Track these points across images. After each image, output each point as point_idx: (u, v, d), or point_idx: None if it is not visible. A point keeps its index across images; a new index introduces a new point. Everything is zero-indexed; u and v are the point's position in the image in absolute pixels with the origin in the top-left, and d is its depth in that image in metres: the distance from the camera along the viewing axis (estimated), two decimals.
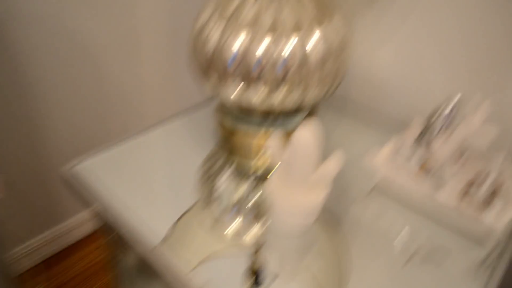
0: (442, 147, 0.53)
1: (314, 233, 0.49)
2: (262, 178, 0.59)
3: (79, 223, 1.50)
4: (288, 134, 0.56)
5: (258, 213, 0.56)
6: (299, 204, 0.42)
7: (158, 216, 0.55)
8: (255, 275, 0.59)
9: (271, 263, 0.50)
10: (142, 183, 0.61)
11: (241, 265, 0.52)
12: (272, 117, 0.55)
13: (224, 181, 0.56)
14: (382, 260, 0.52)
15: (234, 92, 0.51)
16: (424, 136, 0.55)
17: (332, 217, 0.57)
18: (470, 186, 0.52)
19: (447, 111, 0.52)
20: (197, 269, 0.50)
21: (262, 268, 0.59)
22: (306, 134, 0.40)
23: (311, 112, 0.60)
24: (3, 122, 1.15)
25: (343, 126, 0.75)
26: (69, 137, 1.32)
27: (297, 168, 0.41)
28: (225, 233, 0.55)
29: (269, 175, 0.53)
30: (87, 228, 1.53)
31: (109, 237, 0.69)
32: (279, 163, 0.43)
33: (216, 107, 0.61)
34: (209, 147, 0.67)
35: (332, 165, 0.41)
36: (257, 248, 0.58)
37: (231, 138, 0.58)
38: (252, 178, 0.58)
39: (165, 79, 1.45)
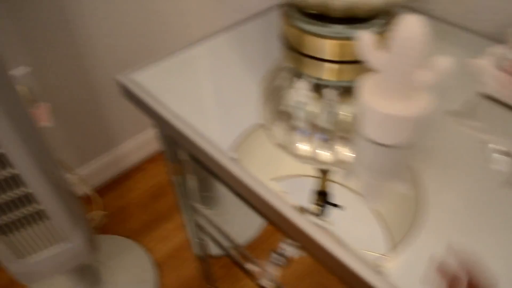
0: None
1: (406, 155, 0.42)
2: (344, 90, 0.52)
3: (132, 148, 1.51)
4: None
5: (335, 130, 0.50)
6: (400, 112, 0.35)
7: (221, 132, 0.50)
8: (322, 197, 0.54)
9: (355, 179, 0.44)
10: (201, 97, 0.55)
11: (309, 185, 0.47)
12: (350, 22, 0.47)
13: (301, 88, 0.49)
14: (470, 183, 0.45)
15: None
16: None
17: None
18: None
19: None
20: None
21: (328, 191, 0.54)
22: (415, 23, 0.32)
23: (390, 21, 0.51)
24: (50, 52, 1.12)
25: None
26: (114, 63, 1.28)
27: (400, 67, 0.34)
28: (296, 151, 0.49)
29: (359, 82, 0.46)
30: (141, 152, 1.54)
31: (171, 158, 0.65)
32: (374, 64, 0.36)
33: (283, 11, 0.53)
34: (272, 58, 0.60)
35: (443, 64, 0.33)
36: (327, 170, 0.53)
37: (303, 45, 0.50)
38: (329, 91, 0.51)
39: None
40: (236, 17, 0.72)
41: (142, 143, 1.53)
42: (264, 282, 0.45)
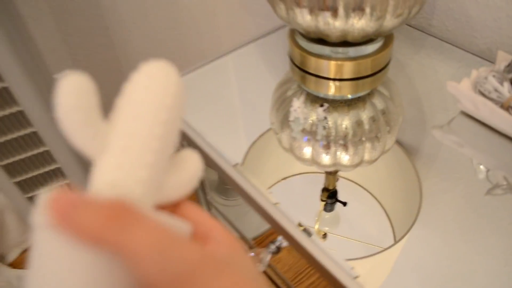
0: None
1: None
2: (334, 103, 0.60)
3: None
4: (360, 64, 0.55)
5: (332, 138, 0.57)
6: None
7: (233, 140, 0.58)
8: (329, 197, 0.62)
9: None
10: (217, 108, 0.64)
11: (316, 186, 0.55)
12: (346, 44, 0.54)
13: (298, 105, 0.57)
14: (459, 190, 0.51)
15: (307, 17, 0.50)
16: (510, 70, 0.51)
17: (404, 149, 0.57)
18: None
19: None
20: (273, 188, 0.53)
21: (335, 189, 0.62)
22: (163, 68, 0.23)
23: (387, 41, 0.58)
24: (90, 56, 1.23)
25: (420, 59, 0.72)
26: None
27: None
28: (299, 156, 0.57)
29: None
30: None
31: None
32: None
33: (289, 33, 0.61)
34: (282, 73, 0.67)
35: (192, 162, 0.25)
36: (334, 172, 0.60)
37: (305, 64, 0.58)
38: (324, 103, 0.59)
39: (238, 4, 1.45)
40: (262, 29, 0.80)
41: None
42: (259, 268, 0.54)
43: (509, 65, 0.52)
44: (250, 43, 0.76)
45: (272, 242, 0.55)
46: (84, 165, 0.88)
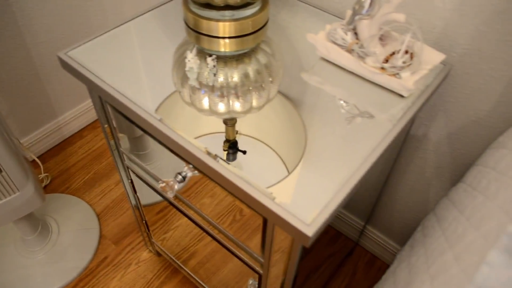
0: (366, 28, 0.66)
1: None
2: (225, 59, 0.72)
3: (74, 117, 1.65)
4: (242, 24, 0.68)
5: (225, 88, 0.69)
6: None
7: (144, 97, 0.68)
8: (229, 144, 0.73)
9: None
10: (126, 68, 0.73)
11: (220, 144, 0.65)
12: (229, 8, 0.67)
13: (192, 57, 0.68)
14: (331, 123, 0.65)
15: None
16: (352, 22, 0.67)
17: (292, 103, 0.71)
18: (390, 56, 0.67)
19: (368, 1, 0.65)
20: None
21: (236, 142, 0.73)
22: None
23: (264, 4, 0.71)
24: None
25: (296, 22, 0.86)
26: (53, 40, 1.41)
27: None
28: (199, 108, 0.68)
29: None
30: (82, 121, 1.70)
31: (106, 124, 0.82)
32: None
33: (183, 0, 0.71)
34: (181, 37, 0.78)
35: None
36: (233, 122, 0.72)
37: (198, 26, 0.69)
38: (212, 58, 0.71)
39: None
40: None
41: (80, 113, 1.67)
42: (169, 194, 0.66)
43: (349, 18, 0.68)
44: (149, 11, 0.85)
45: (179, 172, 0.67)
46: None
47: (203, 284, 1.12)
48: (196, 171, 0.67)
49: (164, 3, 0.88)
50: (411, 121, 0.77)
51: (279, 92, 0.71)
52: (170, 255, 1.18)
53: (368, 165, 0.58)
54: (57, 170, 1.55)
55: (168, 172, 0.80)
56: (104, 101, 0.78)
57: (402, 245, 1.27)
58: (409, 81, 0.65)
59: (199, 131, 0.64)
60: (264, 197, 0.54)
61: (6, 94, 1.37)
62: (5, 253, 1.29)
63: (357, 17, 0.66)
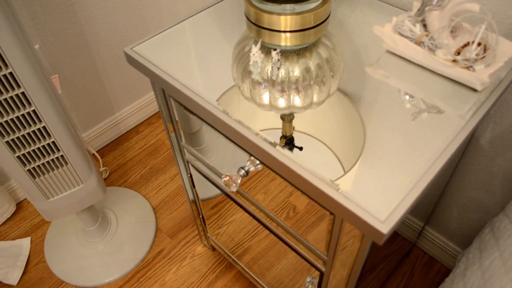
0: (436, 19, 0.63)
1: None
2: (286, 54, 0.71)
3: (130, 113, 1.71)
4: (304, 17, 0.67)
5: (286, 83, 0.69)
6: None
7: (204, 91, 0.69)
8: (287, 144, 0.73)
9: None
10: (185, 65, 0.74)
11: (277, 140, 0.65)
12: (291, 1, 0.66)
13: (256, 51, 0.68)
14: (393, 119, 0.63)
15: None
16: (421, 13, 0.65)
17: (350, 99, 0.69)
18: (462, 48, 0.63)
19: None
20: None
21: (292, 138, 0.72)
22: None
23: None
24: (57, 32, 1.29)
25: (356, 16, 0.84)
26: (113, 38, 1.45)
27: None
28: (259, 102, 0.68)
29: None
30: (138, 117, 1.75)
31: (168, 118, 0.84)
32: None
33: None
34: (236, 34, 0.78)
35: None
36: (289, 117, 0.71)
37: (259, 20, 0.69)
38: (277, 48, 0.70)
39: None
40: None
41: (136, 109, 1.72)
42: (232, 188, 0.66)
43: (418, 9, 0.65)
44: (204, 10, 0.86)
45: (242, 167, 0.67)
46: (76, 138, 0.96)
47: (257, 279, 1.12)
48: (259, 165, 0.67)
49: (218, 2, 0.88)
50: (484, 117, 0.73)
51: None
52: (224, 249, 1.19)
53: (442, 162, 0.55)
54: (115, 164, 1.60)
55: (223, 167, 0.80)
56: (168, 95, 0.79)
57: (463, 248, 1.21)
58: (484, 74, 0.61)
59: (254, 127, 0.64)
60: (335, 192, 0.52)
61: (69, 91, 1.43)
62: (67, 242, 1.35)
63: (427, 8, 0.64)
